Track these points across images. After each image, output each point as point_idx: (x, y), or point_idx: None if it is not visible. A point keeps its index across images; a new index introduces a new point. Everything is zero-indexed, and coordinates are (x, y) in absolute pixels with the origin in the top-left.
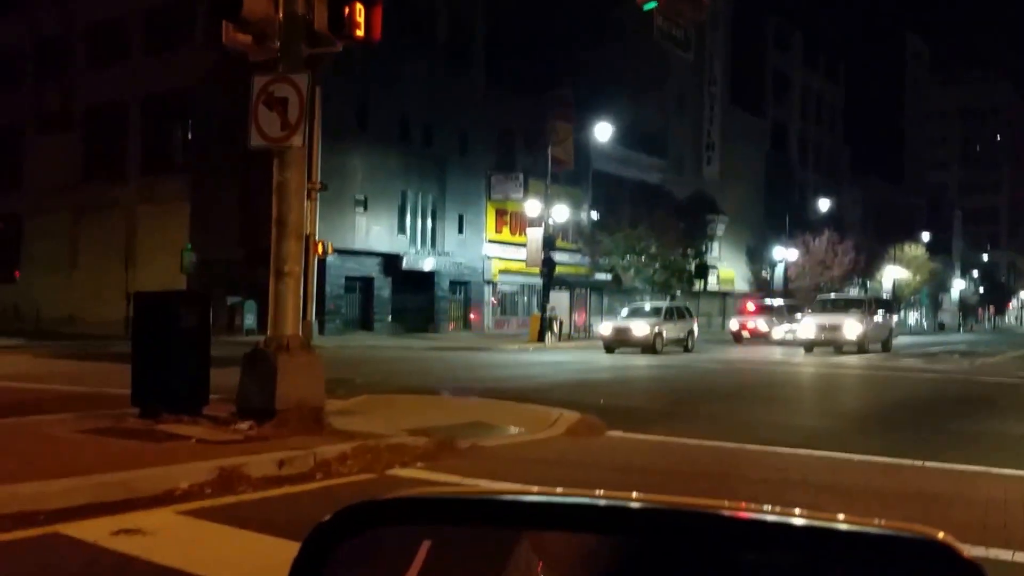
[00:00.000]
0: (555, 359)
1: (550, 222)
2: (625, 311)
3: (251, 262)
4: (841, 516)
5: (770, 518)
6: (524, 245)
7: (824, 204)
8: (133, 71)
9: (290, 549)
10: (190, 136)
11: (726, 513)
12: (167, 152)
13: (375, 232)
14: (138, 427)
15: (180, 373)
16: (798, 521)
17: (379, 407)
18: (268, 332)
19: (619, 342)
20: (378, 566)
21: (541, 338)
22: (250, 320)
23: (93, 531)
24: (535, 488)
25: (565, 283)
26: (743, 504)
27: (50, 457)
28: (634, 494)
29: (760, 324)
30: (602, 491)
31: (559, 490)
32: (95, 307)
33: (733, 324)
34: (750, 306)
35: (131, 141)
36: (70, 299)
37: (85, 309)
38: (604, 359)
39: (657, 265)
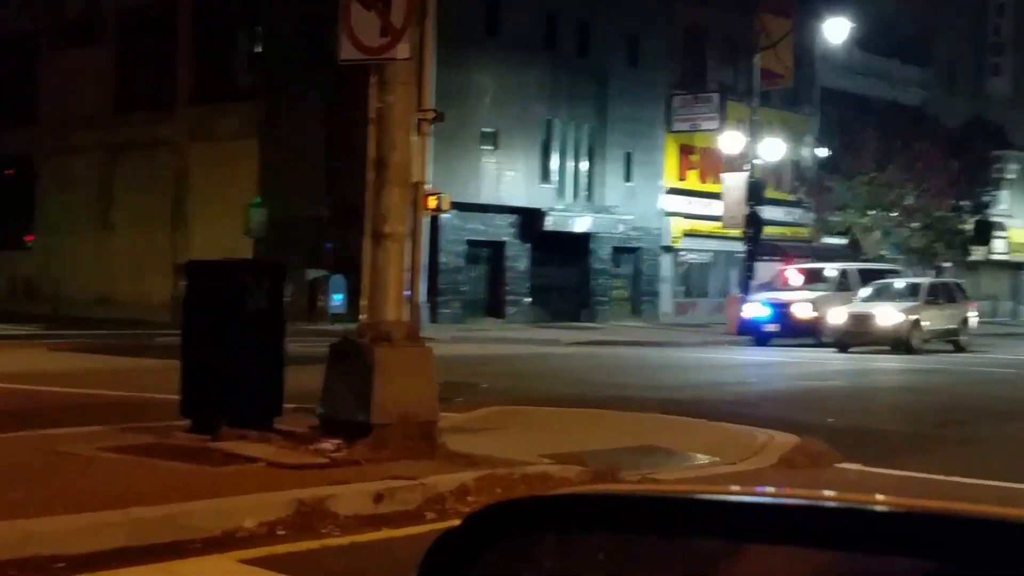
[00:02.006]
0: (764, 359)
1: (758, 163)
2: (866, 291)
3: (340, 222)
4: None
5: None
6: (719, 196)
7: None
8: None
9: None
10: (258, 50)
11: None
12: (228, 72)
13: (509, 180)
14: (190, 445)
15: (245, 373)
16: None
17: (512, 422)
18: (362, 317)
19: (857, 335)
20: None
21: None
22: (338, 301)
23: None
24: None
25: (778, 250)
26: None
27: (74, 484)
28: (879, 496)
29: None
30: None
31: (783, 489)
32: (133, 283)
33: None
34: None
35: (179, 57)
36: (100, 272)
37: (119, 286)
38: (835, 360)
39: (915, 224)
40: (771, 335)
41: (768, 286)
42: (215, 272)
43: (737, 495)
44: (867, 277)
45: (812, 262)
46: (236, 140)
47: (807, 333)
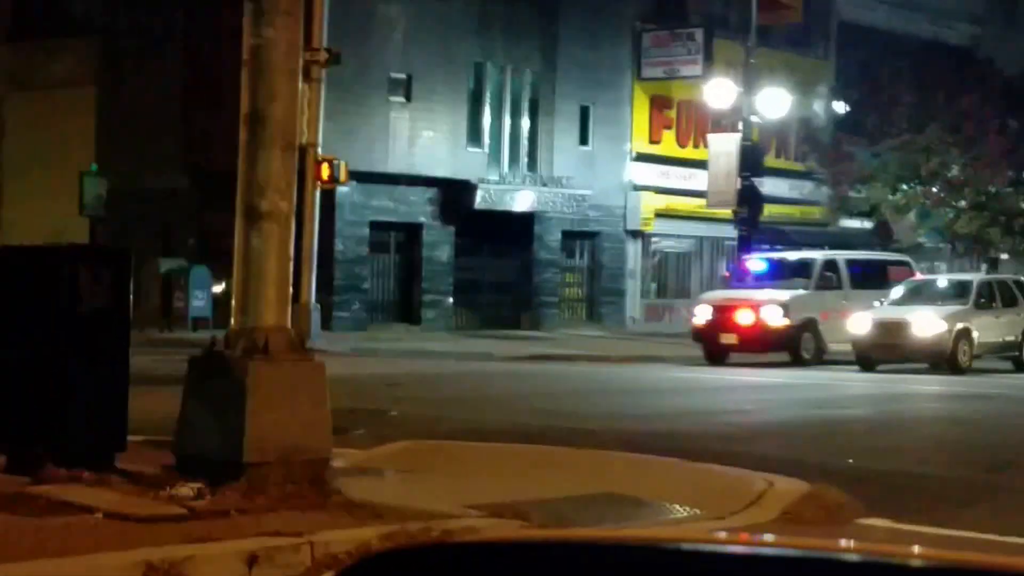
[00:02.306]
0: (764, 382)
1: (755, 121)
2: (897, 291)
3: (204, 196)
4: None
5: None
6: (703, 165)
7: None
8: None
9: None
10: None
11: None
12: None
13: (426, 142)
14: (2, 489)
15: (77, 395)
16: None
17: (430, 462)
18: (232, 323)
19: (885, 349)
20: None
21: None
22: (200, 301)
23: None
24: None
25: (783, 237)
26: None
27: None
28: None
29: None
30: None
31: (740, 536)
32: None
33: None
34: None
35: None
36: None
37: None
38: (857, 381)
39: (962, 203)
40: (728, 349)
41: (739, 279)
42: (33, 262)
43: (622, 537)
44: (867, 271)
45: (786, 249)
46: (67, 88)
47: (778, 346)
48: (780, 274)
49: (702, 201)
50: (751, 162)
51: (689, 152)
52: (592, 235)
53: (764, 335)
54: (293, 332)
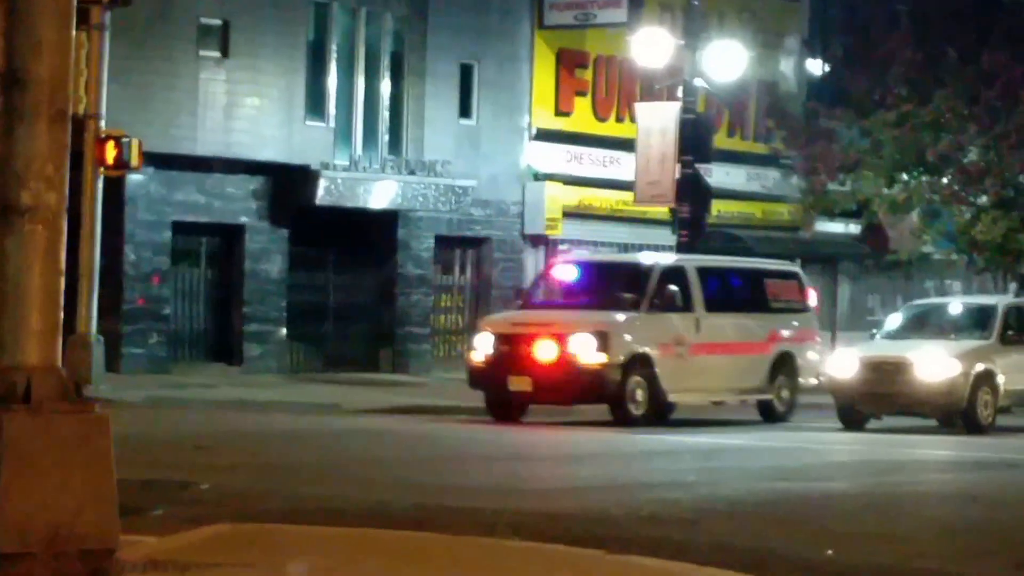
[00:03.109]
0: (712, 444)
1: (701, 86)
2: (893, 321)
3: None
4: None
5: None
6: (630, 146)
7: None
8: None
9: None
10: None
11: None
12: None
13: (250, 114)
14: None
15: None
16: None
17: (254, 554)
18: None
19: (878, 400)
20: None
21: None
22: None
23: None
24: None
25: (738, 244)
26: None
27: None
28: None
29: None
30: None
31: None
32: None
33: None
34: None
35: None
36: None
37: None
38: (839, 443)
39: (983, 198)
40: (521, 400)
41: (542, 296)
42: None
43: None
44: (732, 285)
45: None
46: None
47: (593, 395)
48: (602, 288)
49: (628, 195)
50: (695, 142)
51: (610, 128)
52: (478, 242)
53: (571, 379)
54: (66, 374)
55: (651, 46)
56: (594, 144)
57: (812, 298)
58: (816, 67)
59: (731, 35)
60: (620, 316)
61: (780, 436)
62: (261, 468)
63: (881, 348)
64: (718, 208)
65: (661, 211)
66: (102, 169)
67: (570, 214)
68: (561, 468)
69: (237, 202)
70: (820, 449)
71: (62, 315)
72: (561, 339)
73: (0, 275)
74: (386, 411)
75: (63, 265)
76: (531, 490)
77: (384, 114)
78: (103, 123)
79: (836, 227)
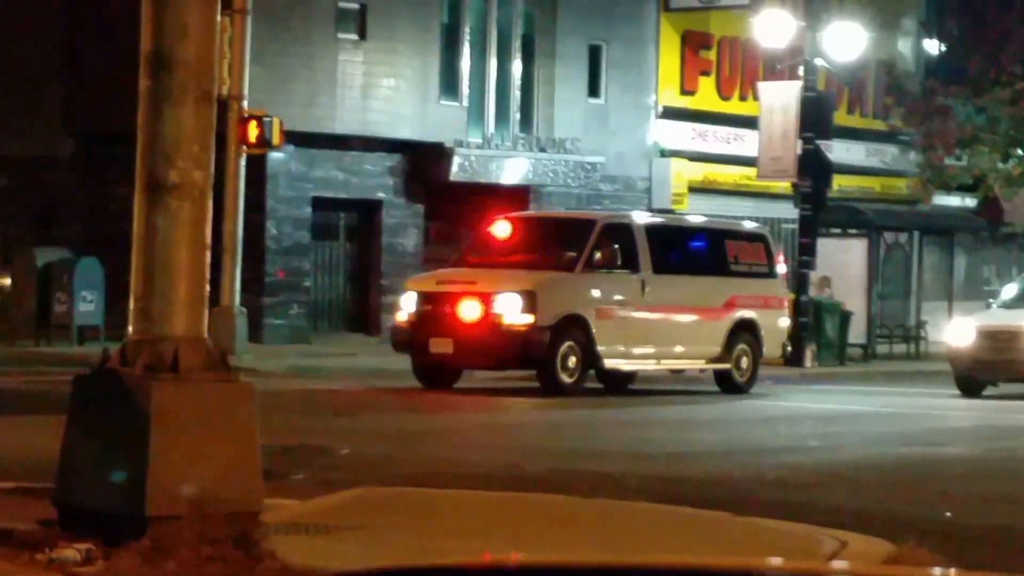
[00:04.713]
0: (835, 411)
1: (821, 65)
2: (1009, 291)
3: (92, 166)
4: None
5: None
6: (753, 124)
7: None
8: None
9: None
10: None
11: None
12: None
13: (386, 94)
14: None
15: None
16: None
17: (392, 515)
18: (130, 331)
19: (993, 367)
20: None
21: (795, 356)
22: (88, 304)
23: None
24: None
25: (858, 217)
26: None
27: None
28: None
29: None
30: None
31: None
32: None
33: None
34: None
35: None
36: None
37: None
38: (956, 409)
39: None
40: (443, 362)
41: (478, 253)
42: None
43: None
44: (686, 246)
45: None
46: None
47: (517, 360)
48: (540, 246)
49: (752, 171)
50: (816, 119)
51: (734, 106)
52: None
53: (494, 342)
54: (211, 344)
55: (773, 27)
56: (718, 122)
57: (780, 263)
58: (932, 47)
59: (850, 16)
60: (551, 275)
61: (899, 402)
62: (401, 434)
63: (997, 317)
64: (839, 183)
65: (783, 186)
66: (245, 148)
67: (695, 189)
68: (685, 433)
69: (374, 178)
70: (938, 415)
71: (207, 288)
72: (485, 299)
73: (149, 249)
74: (516, 379)
75: (208, 240)
76: (657, 455)
77: (516, 93)
78: (246, 104)
79: (953, 201)
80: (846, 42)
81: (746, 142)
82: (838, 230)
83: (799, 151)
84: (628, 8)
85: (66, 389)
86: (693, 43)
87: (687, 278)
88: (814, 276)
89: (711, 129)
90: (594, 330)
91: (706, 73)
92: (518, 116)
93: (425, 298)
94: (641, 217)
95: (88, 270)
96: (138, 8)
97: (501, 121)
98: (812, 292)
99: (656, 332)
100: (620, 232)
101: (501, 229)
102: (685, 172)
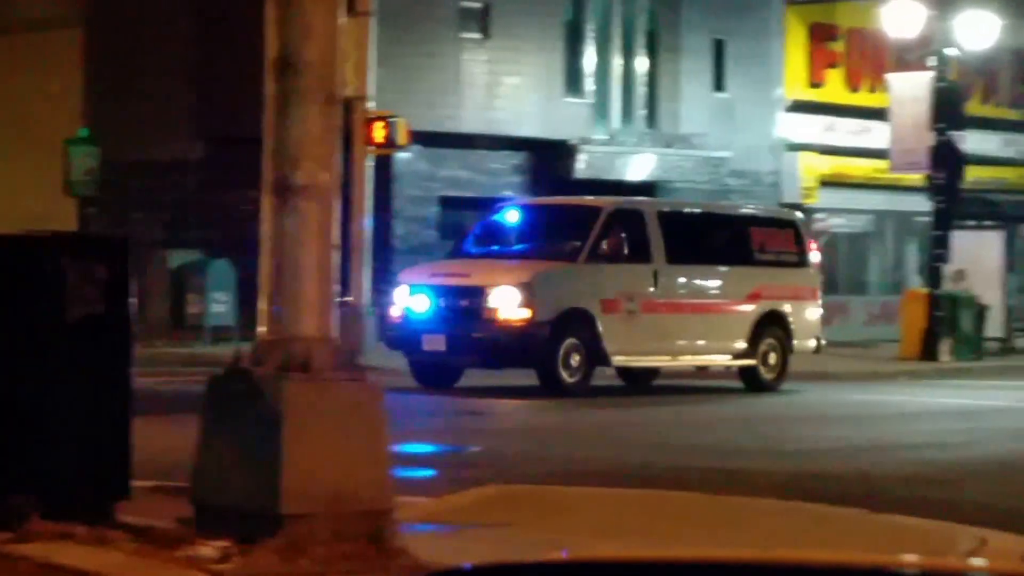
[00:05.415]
0: (973, 406)
1: (952, 55)
2: None
3: (223, 169)
4: None
5: None
6: (883, 116)
7: None
8: None
9: None
10: None
11: None
12: None
13: (511, 92)
14: None
15: (65, 428)
16: None
17: (524, 512)
18: (261, 330)
19: None
20: None
21: (930, 351)
22: (221, 305)
23: None
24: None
25: (993, 211)
26: None
27: None
28: None
29: None
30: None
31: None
32: None
33: None
34: None
35: None
36: None
37: None
38: None
39: None
40: (437, 360)
41: (482, 243)
42: (5, 256)
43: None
44: (704, 233)
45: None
46: (46, 31)
47: (515, 358)
48: (542, 235)
49: (883, 163)
50: (948, 110)
51: (863, 98)
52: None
53: (489, 339)
54: (341, 344)
55: (902, 17)
56: (847, 114)
57: (812, 251)
58: None
59: (982, 4)
60: (551, 266)
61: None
62: (533, 431)
63: None
64: (973, 174)
65: (916, 178)
66: (371, 148)
67: (825, 183)
68: (823, 429)
69: (500, 177)
70: None
71: (336, 287)
72: (480, 292)
73: (277, 251)
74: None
75: (336, 240)
76: (794, 451)
77: (640, 89)
78: (372, 104)
79: None
80: (978, 30)
81: (876, 134)
82: (973, 222)
83: (931, 143)
84: (752, 1)
85: (200, 389)
86: (819, 35)
87: (705, 268)
88: (949, 269)
89: (839, 121)
90: (600, 325)
91: (833, 65)
92: (643, 112)
93: (418, 291)
94: (654, 203)
95: (220, 272)
96: (263, 14)
97: (626, 117)
98: (947, 286)
99: (670, 327)
100: (630, 219)
101: (502, 217)
102: (814, 165)
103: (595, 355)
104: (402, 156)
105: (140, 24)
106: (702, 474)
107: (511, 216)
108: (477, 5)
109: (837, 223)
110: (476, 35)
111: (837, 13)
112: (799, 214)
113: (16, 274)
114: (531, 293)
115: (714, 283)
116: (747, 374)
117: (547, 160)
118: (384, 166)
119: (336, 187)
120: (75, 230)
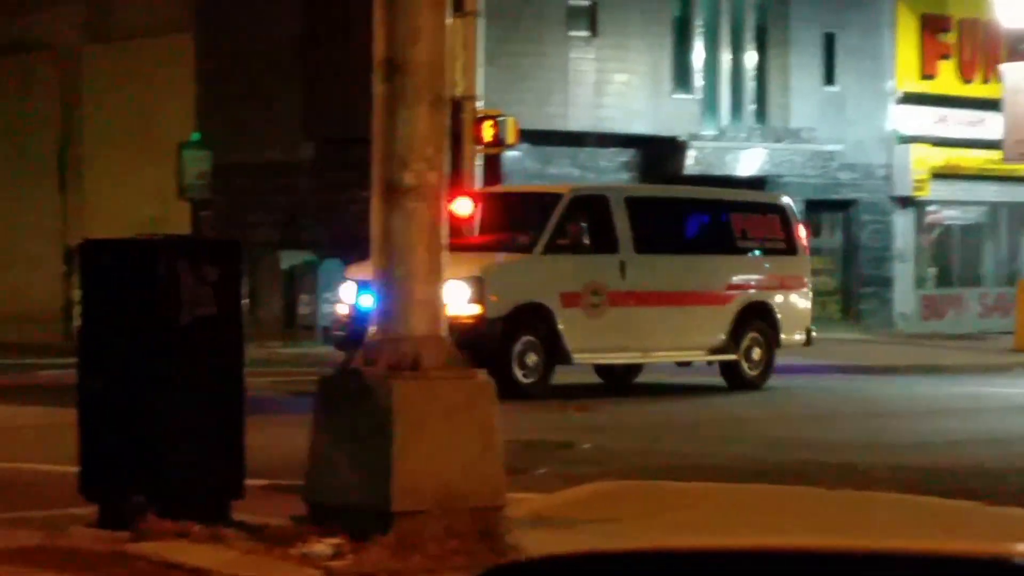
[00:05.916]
0: None
1: None
2: None
3: (334, 171)
4: None
5: None
6: (997, 107)
7: None
8: None
9: None
10: None
11: None
12: None
13: (619, 90)
14: (95, 547)
15: (180, 429)
16: None
17: (636, 508)
18: (371, 331)
19: None
20: None
21: None
22: (333, 305)
23: None
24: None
25: None
26: None
27: None
28: None
29: None
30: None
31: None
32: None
33: None
34: None
35: None
36: None
37: None
38: None
39: None
40: None
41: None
42: (119, 259)
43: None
44: (678, 220)
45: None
46: (158, 37)
47: (470, 356)
48: (500, 225)
49: (997, 154)
50: None
51: (976, 89)
52: (845, 204)
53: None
54: (451, 342)
55: (1016, 7)
56: (959, 105)
57: (802, 237)
58: None
59: None
60: (503, 258)
61: None
62: (642, 427)
63: None
64: None
65: None
66: (480, 147)
67: (937, 175)
68: (933, 423)
69: (609, 174)
70: None
71: (446, 287)
72: None
73: (386, 251)
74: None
75: (446, 240)
76: (906, 444)
77: (749, 84)
78: (480, 104)
79: None
80: None
81: (989, 125)
82: None
83: None
84: None
85: (312, 389)
86: (931, 27)
87: (679, 258)
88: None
89: (952, 113)
90: (559, 321)
91: (946, 57)
92: (752, 107)
93: (363, 288)
94: (621, 189)
95: (331, 272)
96: (371, 15)
97: (735, 112)
98: None
99: (639, 321)
100: (593, 206)
101: (459, 207)
102: (926, 157)
103: (554, 353)
104: (511, 154)
105: (249, 28)
106: (815, 468)
107: (466, 206)
108: (585, 3)
109: (950, 215)
110: (584, 33)
111: (949, 4)
112: (786, 198)
113: (132, 278)
114: (481, 288)
115: (688, 274)
116: (728, 370)
117: (656, 157)
118: (493, 165)
119: (445, 187)
120: (189, 233)
